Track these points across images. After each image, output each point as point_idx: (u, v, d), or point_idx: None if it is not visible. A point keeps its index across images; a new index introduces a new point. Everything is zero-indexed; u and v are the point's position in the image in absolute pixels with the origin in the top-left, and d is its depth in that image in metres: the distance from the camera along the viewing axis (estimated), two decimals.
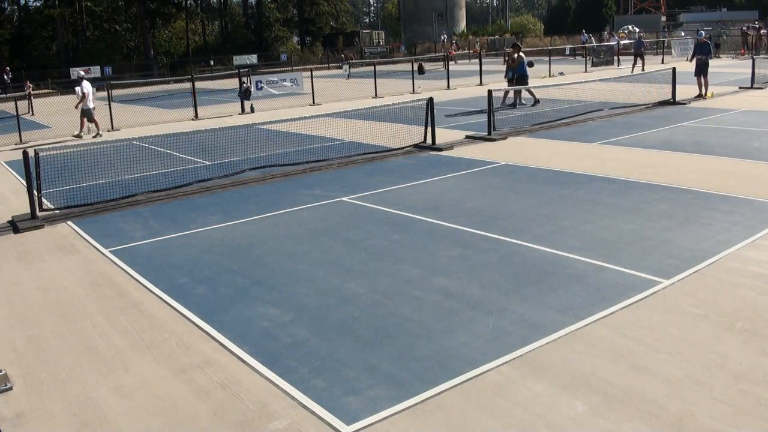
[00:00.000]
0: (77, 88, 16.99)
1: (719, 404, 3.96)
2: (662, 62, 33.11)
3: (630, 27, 51.57)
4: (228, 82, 32.52)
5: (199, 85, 25.14)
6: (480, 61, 29.63)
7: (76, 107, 17.08)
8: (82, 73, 20.17)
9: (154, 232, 8.33)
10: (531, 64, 20.43)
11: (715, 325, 4.98)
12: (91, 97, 16.87)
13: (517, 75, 19.19)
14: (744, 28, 41.40)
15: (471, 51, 44.73)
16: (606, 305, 5.39)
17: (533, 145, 13.13)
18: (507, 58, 19.88)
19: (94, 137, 16.81)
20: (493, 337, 4.95)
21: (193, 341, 5.19)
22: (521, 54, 19.57)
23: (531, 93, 19.30)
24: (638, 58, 29.73)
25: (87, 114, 17.01)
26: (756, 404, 3.95)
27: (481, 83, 27.23)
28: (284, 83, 25.31)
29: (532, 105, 19.01)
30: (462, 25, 67.53)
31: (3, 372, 4.62)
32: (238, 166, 11.77)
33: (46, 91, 35.96)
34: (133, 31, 56.75)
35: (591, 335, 4.91)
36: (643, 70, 27.03)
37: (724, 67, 25.15)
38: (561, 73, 29.54)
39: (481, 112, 16.88)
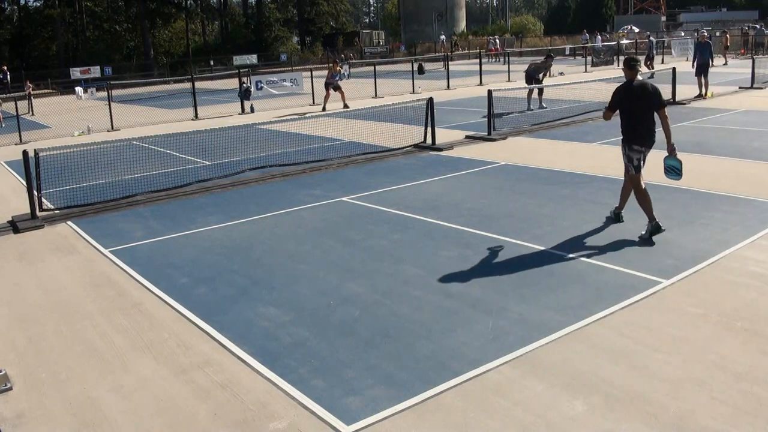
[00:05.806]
0: None
1: (719, 404, 3.96)
2: (662, 62, 33.11)
3: (630, 27, 51.59)
4: (228, 82, 32.53)
5: (199, 85, 25.12)
6: (480, 61, 29.64)
7: None
8: None
9: (154, 232, 8.33)
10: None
11: (715, 325, 4.98)
12: None
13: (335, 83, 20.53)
14: (745, 28, 41.46)
15: (491, 50, 44.77)
16: (606, 305, 5.39)
17: (533, 145, 13.13)
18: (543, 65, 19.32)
19: None
20: (493, 337, 4.95)
21: (193, 341, 5.19)
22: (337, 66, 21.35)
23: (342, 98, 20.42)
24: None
25: None
26: (756, 404, 3.95)
27: (481, 83, 27.24)
28: (284, 83, 25.27)
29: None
30: (462, 25, 67.58)
31: (3, 372, 4.62)
32: (238, 166, 11.77)
33: (46, 91, 35.95)
34: (133, 31, 56.70)
35: (591, 335, 4.91)
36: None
37: (724, 67, 25.13)
38: (561, 73, 29.52)
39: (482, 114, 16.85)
